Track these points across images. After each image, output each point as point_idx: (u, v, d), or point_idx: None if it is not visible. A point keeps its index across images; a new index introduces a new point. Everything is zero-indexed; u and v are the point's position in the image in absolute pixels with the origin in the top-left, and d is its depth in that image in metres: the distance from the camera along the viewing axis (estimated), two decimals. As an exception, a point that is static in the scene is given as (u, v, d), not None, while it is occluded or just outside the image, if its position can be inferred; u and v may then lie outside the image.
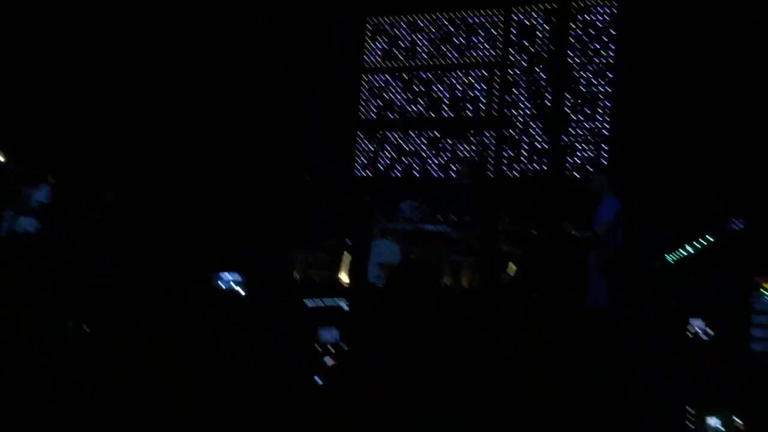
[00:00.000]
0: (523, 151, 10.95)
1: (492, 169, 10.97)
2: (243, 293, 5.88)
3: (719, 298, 6.97)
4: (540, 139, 10.85)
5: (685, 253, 8.61)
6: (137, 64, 10.41)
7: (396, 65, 11.92)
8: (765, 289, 6.91)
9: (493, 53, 11.30)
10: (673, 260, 8.70)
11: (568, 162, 10.61)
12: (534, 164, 10.87)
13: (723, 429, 3.67)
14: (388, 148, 11.87)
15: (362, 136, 12.01)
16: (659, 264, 8.46)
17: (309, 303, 4.99)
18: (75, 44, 10.03)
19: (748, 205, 8.33)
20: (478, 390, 3.55)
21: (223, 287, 5.98)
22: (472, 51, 11.46)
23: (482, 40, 11.38)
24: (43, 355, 3.50)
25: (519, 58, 11.11)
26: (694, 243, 8.50)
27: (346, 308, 5.02)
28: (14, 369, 3.31)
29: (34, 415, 3.09)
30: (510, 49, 11.16)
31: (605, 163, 10.24)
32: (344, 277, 8.58)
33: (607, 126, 10.42)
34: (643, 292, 7.46)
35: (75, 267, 4.39)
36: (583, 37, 10.67)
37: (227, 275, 6.07)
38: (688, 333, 6.02)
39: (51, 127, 9.61)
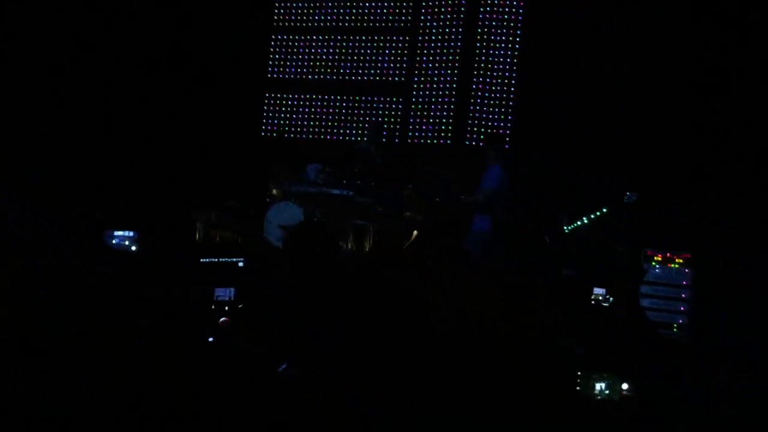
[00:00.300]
0: (429, 118, 10.89)
1: (398, 134, 10.96)
2: (134, 250, 5.89)
3: (613, 268, 7.18)
4: (446, 108, 10.81)
5: (580, 224, 8.77)
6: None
7: (307, 25, 11.65)
8: (656, 261, 7.18)
9: (404, 18, 11.16)
10: (567, 230, 8.86)
11: (472, 132, 10.58)
12: (439, 132, 10.81)
13: (608, 393, 3.75)
14: (294, 109, 11.66)
15: (269, 96, 11.78)
16: (554, 234, 8.62)
17: (205, 261, 4.97)
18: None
19: (642, 178, 8.54)
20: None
21: (114, 244, 6.00)
22: (383, 15, 11.31)
23: (393, 5, 11.25)
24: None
25: (430, 24, 10.99)
26: (590, 214, 8.66)
27: (241, 265, 4.99)
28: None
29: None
30: (421, 16, 11.03)
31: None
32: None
33: (512, 98, 10.39)
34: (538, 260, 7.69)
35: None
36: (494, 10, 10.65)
37: (118, 233, 6.08)
38: (591, 301, 6.15)
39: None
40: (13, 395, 3.16)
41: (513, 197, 8.43)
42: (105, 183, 9.01)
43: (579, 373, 3.82)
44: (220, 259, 4.88)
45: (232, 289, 4.23)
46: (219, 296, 4.19)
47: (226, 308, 4.13)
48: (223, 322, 4.04)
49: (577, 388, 3.79)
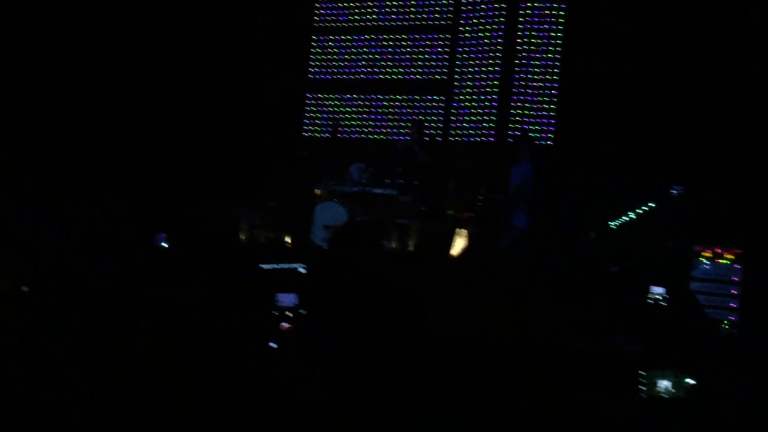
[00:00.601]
0: (470, 116, 10.92)
1: (440, 133, 10.97)
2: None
3: (660, 264, 7.09)
4: (488, 105, 10.82)
5: (627, 219, 8.71)
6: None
7: (346, 25, 11.76)
8: (704, 257, 7.05)
9: (445, 17, 11.23)
10: (615, 226, 8.80)
11: (515, 129, 10.58)
12: (481, 130, 10.84)
13: (673, 390, 3.70)
14: (337, 107, 11.75)
15: (312, 97, 11.90)
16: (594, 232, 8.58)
17: (266, 267, 4.96)
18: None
19: (688, 172, 8.51)
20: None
21: (164, 247, 6.00)
22: (423, 14, 11.37)
23: (434, 4, 11.31)
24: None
25: (471, 23, 11.04)
26: (636, 209, 8.59)
27: (303, 271, 4.98)
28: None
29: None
30: (462, 14, 11.09)
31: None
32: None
33: (554, 94, 10.41)
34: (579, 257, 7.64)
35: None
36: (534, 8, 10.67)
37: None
38: (648, 300, 6.06)
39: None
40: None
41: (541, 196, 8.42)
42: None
43: (642, 372, 3.76)
44: (281, 265, 4.84)
45: (294, 295, 4.19)
46: (281, 302, 4.15)
47: (288, 314, 4.09)
48: (285, 327, 4.02)
49: (641, 387, 3.73)
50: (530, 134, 9.98)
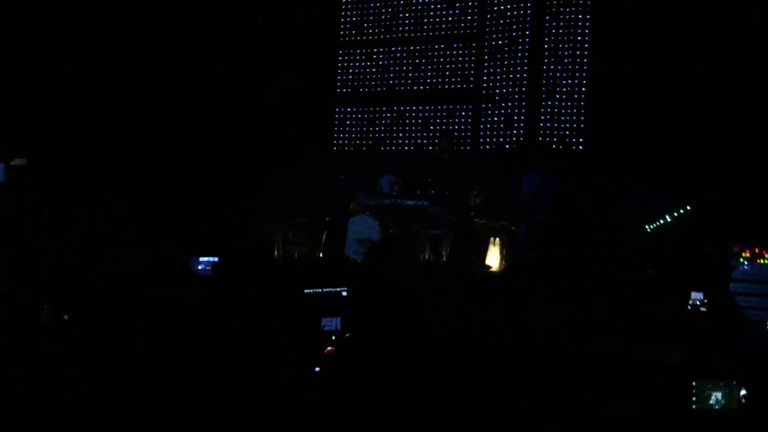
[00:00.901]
0: (499, 124, 10.91)
1: (468, 141, 10.95)
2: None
3: (698, 266, 6.99)
4: (516, 113, 10.80)
5: (663, 222, 8.63)
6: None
7: (373, 38, 11.80)
8: (744, 258, 6.92)
9: (470, 26, 11.24)
10: (650, 229, 8.73)
11: (544, 136, 10.56)
12: (510, 137, 10.81)
13: (724, 401, 3.61)
14: (366, 121, 11.79)
15: (340, 110, 11.94)
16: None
17: (308, 291, 4.95)
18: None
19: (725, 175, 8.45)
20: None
21: (199, 270, 5.95)
22: (448, 23, 11.39)
23: (459, 12, 11.31)
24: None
25: (496, 32, 11.04)
26: (673, 213, 8.53)
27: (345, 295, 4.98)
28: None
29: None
30: (487, 23, 11.10)
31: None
32: None
33: (583, 99, 10.39)
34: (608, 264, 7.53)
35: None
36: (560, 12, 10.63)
37: (204, 258, 6.03)
38: (688, 306, 5.96)
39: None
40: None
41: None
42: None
43: (694, 383, 3.66)
44: (325, 290, 4.83)
45: (339, 319, 4.20)
46: (326, 326, 4.17)
47: (333, 338, 4.11)
48: (328, 350, 4.03)
49: (693, 399, 3.63)
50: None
